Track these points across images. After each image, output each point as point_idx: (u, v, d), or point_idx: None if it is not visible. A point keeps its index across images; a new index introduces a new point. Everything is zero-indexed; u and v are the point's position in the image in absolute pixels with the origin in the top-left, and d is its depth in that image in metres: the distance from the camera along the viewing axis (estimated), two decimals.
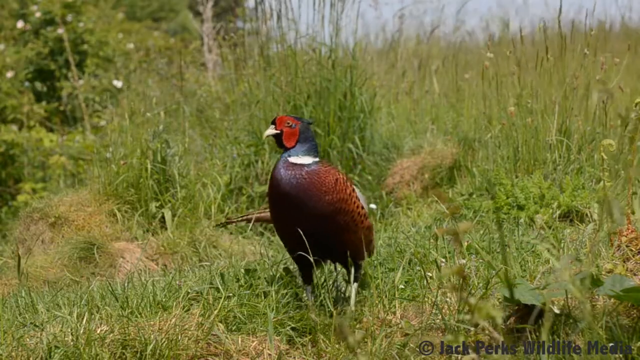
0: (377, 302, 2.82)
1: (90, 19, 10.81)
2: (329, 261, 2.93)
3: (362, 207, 2.78)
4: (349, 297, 2.86)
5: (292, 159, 2.73)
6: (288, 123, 2.78)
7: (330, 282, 3.11)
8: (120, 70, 10.43)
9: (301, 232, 2.69)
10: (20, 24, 10.69)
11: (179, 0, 19.51)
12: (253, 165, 5.72)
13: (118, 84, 9.82)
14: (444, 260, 3.12)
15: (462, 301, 1.54)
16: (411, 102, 6.82)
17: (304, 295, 2.94)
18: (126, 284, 3.18)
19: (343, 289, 3.06)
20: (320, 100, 5.84)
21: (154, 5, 19.24)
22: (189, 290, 3.00)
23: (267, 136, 2.81)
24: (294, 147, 2.76)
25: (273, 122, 2.81)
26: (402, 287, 2.97)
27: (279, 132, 2.78)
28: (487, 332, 2.43)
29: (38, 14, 10.44)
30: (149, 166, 4.83)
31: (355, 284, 2.86)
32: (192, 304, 2.90)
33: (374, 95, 6.13)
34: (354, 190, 2.77)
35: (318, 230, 2.71)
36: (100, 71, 10.48)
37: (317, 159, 2.77)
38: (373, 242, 2.94)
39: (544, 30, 4.97)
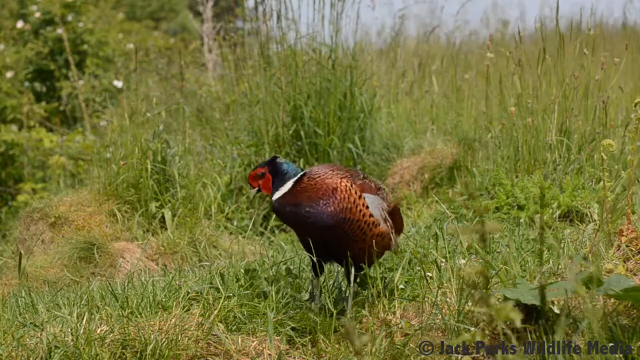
0: (377, 302, 2.82)
1: (90, 19, 10.82)
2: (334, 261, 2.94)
3: (371, 215, 2.73)
4: (349, 296, 2.87)
5: (275, 196, 2.77)
6: (257, 175, 2.85)
7: (331, 282, 3.11)
8: (120, 70, 10.43)
9: (310, 240, 2.76)
10: (20, 24, 10.69)
11: (179, 0, 19.51)
12: (253, 165, 5.72)
13: (118, 84, 9.83)
14: (444, 260, 3.13)
15: (482, 302, 1.53)
16: (411, 102, 6.82)
17: (310, 287, 2.94)
18: (126, 284, 3.18)
19: (344, 288, 3.06)
20: (320, 100, 5.84)
21: (154, 5, 19.25)
22: (189, 290, 3.00)
23: (254, 195, 2.88)
24: (274, 188, 2.81)
25: (249, 183, 2.89)
26: (402, 287, 2.97)
27: (257, 188, 2.86)
28: (489, 331, 2.43)
29: (38, 14, 10.44)
30: (149, 166, 4.83)
31: (354, 285, 2.86)
32: (192, 304, 2.90)
33: (373, 95, 6.13)
34: (360, 197, 2.73)
35: (325, 239, 2.75)
36: (100, 71, 10.49)
37: (297, 177, 2.76)
38: (391, 247, 2.88)
39: (541, 30, 4.97)
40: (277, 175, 2.79)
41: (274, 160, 2.83)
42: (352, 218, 2.70)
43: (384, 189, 2.92)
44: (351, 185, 2.73)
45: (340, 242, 2.73)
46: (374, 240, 2.76)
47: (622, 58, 4.92)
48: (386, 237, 2.82)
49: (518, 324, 1.60)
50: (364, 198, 2.74)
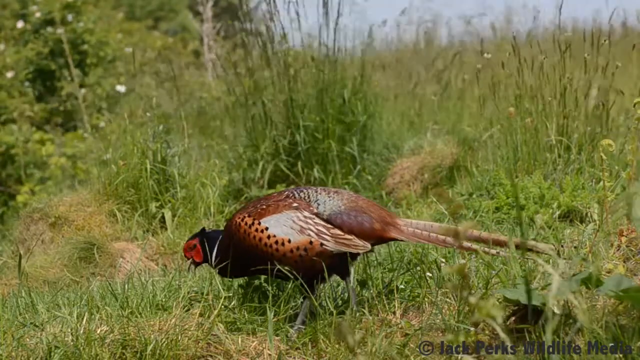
0: (377, 302, 2.82)
1: (90, 19, 10.81)
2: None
3: (274, 235, 2.77)
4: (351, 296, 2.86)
5: (214, 258, 2.92)
6: (190, 247, 3.00)
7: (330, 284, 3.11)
8: (122, 73, 10.44)
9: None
10: (20, 24, 10.69)
11: (178, 0, 19.49)
12: (252, 167, 5.72)
13: (121, 89, 9.81)
14: (443, 260, 3.12)
15: (463, 300, 1.53)
16: (411, 102, 6.82)
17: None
18: (126, 284, 3.17)
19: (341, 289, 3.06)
20: (321, 103, 5.82)
21: (153, 4, 19.23)
22: (189, 290, 3.00)
23: (191, 269, 3.03)
24: (208, 256, 2.95)
25: (184, 256, 3.04)
26: (402, 287, 2.97)
27: (191, 259, 3.00)
28: (489, 331, 2.43)
29: (38, 14, 10.44)
30: (148, 166, 4.83)
31: (353, 289, 2.84)
32: (192, 304, 2.90)
33: (374, 95, 6.12)
34: (252, 224, 2.80)
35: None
36: (100, 71, 10.48)
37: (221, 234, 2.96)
38: (324, 252, 2.77)
39: (538, 32, 4.97)
40: (209, 241, 2.95)
41: (202, 231, 3.00)
42: (250, 244, 2.81)
43: (319, 201, 2.84)
44: (242, 219, 2.84)
45: (268, 263, 2.79)
46: (293, 254, 2.76)
47: (622, 59, 4.92)
48: (311, 248, 2.76)
49: (500, 320, 1.60)
50: (261, 223, 2.81)
